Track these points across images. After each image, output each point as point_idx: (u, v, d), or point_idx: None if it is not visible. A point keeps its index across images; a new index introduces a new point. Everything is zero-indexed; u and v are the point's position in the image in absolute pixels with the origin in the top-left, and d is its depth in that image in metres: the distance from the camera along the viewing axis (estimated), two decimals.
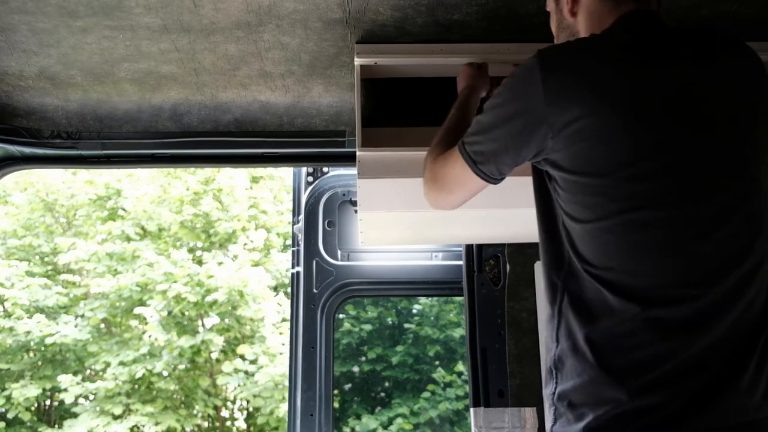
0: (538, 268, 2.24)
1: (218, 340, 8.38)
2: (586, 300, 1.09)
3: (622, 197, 1.10)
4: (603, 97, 1.12)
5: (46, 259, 9.03)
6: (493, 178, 1.30)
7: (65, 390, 8.00)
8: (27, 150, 2.20)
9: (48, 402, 8.86)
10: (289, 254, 3.14)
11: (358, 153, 1.81)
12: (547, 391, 1.15)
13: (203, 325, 8.70)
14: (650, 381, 1.02)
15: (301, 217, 2.66)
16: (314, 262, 2.61)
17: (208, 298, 8.13)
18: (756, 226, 1.12)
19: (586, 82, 1.14)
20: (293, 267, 2.65)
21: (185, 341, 8.18)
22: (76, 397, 8.04)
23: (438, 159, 1.40)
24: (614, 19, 1.25)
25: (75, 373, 8.29)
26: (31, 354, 8.51)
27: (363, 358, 7.72)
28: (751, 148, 1.16)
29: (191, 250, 9.00)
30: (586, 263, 1.11)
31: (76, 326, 8.33)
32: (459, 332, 7.61)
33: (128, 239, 8.74)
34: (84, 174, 8.83)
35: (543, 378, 1.17)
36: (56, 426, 8.55)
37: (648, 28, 1.22)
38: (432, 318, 7.86)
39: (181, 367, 8.53)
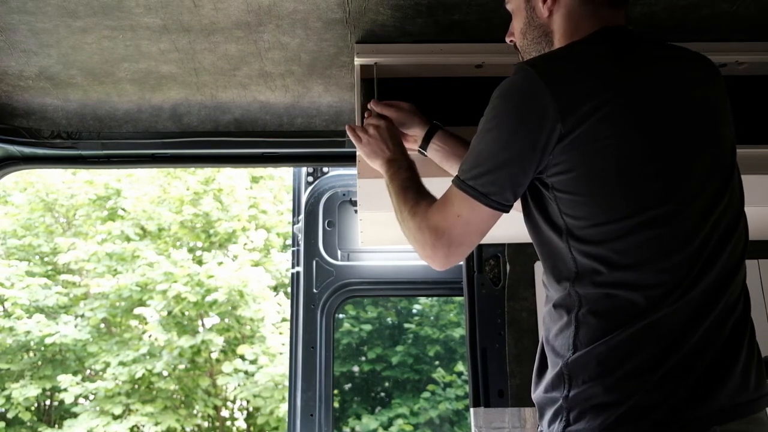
0: (538, 268, 2.24)
1: (218, 340, 8.38)
2: (603, 307, 1.11)
3: (637, 197, 1.11)
4: (611, 98, 1.13)
5: (46, 259, 9.04)
6: (510, 206, 1.21)
7: (65, 390, 8.01)
8: (27, 150, 2.20)
9: (48, 402, 8.86)
10: (289, 254, 3.15)
11: (358, 153, 1.81)
12: (552, 395, 1.15)
13: (203, 325, 8.70)
14: (659, 378, 1.06)
15: (301, 217, 2.66)
16: (314, 262, 2.61)
17: (208, 298, 8.13)
18: (735, 213, 1.19)
19: (591, 84, 1.14)
20: (293, 267, 2.66)
21: (185, 341, 8.19)
22: (76, 397, 8.05)
23: (429, 215, 1.25)
24: (593, 29, 1.26)
25: (75, 373, 8.30)
26: (31, 354, 8.52)
27: (363, 358, 7.71)
28: (725, 147, 1.22)
29: (191, 250, 9.01)
30: (599, 269, 1.12)
31: (76, 326, 8.33)
32: (459, 332, 7.61)
33: (128, 239, 8.75)
34: (84, 174, 8.84)
35: (545, 383, 1.17)
36: (56, 426, 8.55)
37: (628, 41, 1.25)
38: (432, 318, 7.85)
39: (181, 367, 8.53)
